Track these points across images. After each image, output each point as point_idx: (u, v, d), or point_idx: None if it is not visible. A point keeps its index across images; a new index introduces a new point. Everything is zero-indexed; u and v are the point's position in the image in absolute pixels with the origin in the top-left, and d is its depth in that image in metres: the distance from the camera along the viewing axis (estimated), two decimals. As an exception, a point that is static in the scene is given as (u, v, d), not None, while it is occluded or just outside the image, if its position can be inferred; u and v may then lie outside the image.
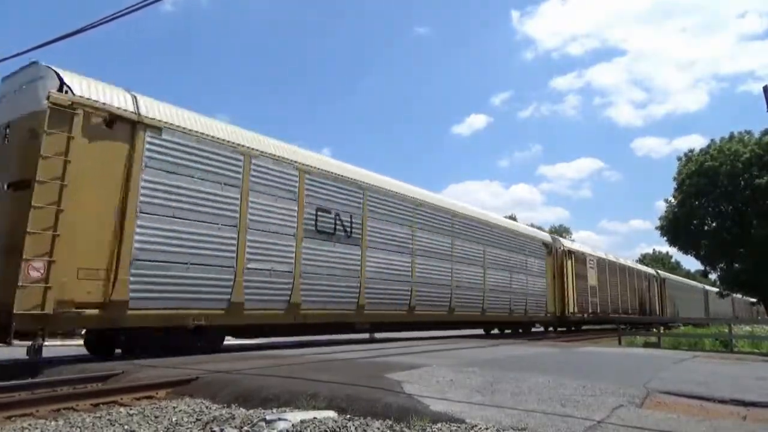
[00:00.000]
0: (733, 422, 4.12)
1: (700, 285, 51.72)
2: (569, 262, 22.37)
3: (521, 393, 4.89)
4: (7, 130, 7.66)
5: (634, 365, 8.12)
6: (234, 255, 8.88)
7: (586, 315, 23.32)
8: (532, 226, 35.85)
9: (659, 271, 38.65)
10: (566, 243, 23.90)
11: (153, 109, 8.24)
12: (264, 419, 3.80)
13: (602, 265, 26.24)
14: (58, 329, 8.04)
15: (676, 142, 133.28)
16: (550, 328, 23.54)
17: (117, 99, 7.77)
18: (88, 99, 7.35)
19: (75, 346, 8.82)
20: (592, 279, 24.54)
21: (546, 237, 22.34)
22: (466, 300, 15.58)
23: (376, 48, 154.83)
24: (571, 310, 21.87)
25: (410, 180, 15.21)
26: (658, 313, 34.64)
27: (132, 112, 7.82)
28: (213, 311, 8.52)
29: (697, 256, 37.75)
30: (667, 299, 36.87)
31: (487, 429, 3.54)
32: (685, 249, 37.61)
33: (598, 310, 24.60)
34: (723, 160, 32.93)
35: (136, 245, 7.57)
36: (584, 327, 25.90)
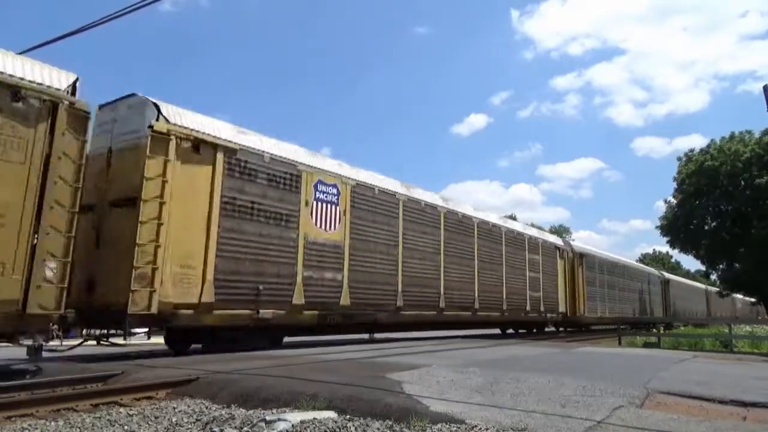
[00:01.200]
0: (733, 422, 4.12)
1: (655, 272, 38.15)
2: (204, 170, 8.90)
3: (521, 393, 4.89)
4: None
5: (634, 365, 8.11)
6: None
7: (252, 309, 9.34)
8: (533, 225, 29.94)
9: (573, 243, 24.04)
10: (200, 123, 9.18)
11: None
12: (264, 419, 3.80)
13: (379, 204, 12.47)
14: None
15: (677, 142, 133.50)
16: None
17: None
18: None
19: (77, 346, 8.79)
20: (336, 228, 11.19)
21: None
22: None
23: (375, 48, 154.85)
24: (195, 297, 8.45)
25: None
26: (565, 311, 21.03)
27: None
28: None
29: (697, 256, 37.76)
30: (585, 287, 22.66)
31: (487, 429, 3.54)
32: (685, 249, 37.61)
33: (347, 301, 11.13)
34: (723, 159, 32.93)
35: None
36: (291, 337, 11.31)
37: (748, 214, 32.39)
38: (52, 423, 4.00)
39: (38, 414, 4.35)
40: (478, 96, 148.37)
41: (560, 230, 65.50)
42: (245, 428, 3.75)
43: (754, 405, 4.80)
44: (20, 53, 7.11)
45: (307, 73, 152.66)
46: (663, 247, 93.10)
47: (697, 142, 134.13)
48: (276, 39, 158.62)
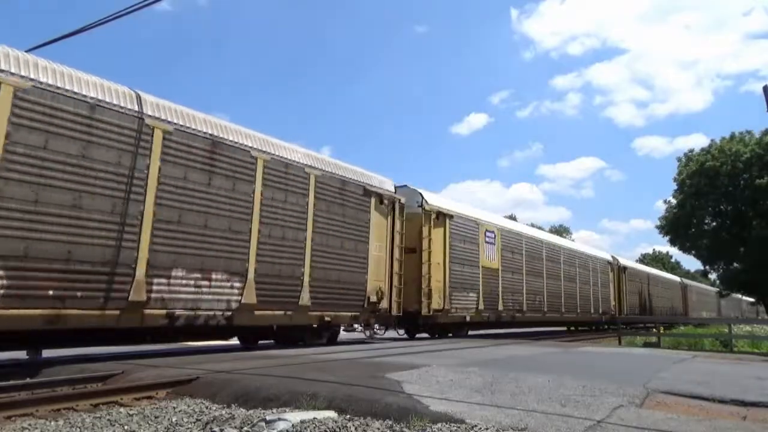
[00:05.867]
0: (733, 422, 4.12)
1: (605, 256, 26.67)
2: None
3: (521, 393, 4.89)
4: None
5: (634, 365, 8.12)
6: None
7: None
8: (533, 225, 30.41)
9: (425, 193, 13.98)
10: None
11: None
12: (264, 419, 3.80)
13: None
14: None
15: (678, 142, 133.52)
16: None
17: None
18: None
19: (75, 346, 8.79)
20: None
21: None
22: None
23: (375, 47, 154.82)
24: None
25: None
26: (396, 303, 12.30)
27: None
28: None
29: (697, 256, 37.77)
30: (450, 268, 14.11)
31: (487, 429, 3.54)
32: (685, 249, 37.62)
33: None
34: (723, 160, 32.93)
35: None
36: None
37: (748, 214, 32.41)
38: (52, 423, 4.00)
39: (38, 414, 4.35)
40: (478, 96, 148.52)
41: (560, 230, 65.06)
42: (245, 428, 3.75)
43: (754, 405, 4.80)
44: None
45: (306, 74, 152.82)
46: (663, 247, 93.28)
47: (698, 141, 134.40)
48: (274, 38, 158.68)
